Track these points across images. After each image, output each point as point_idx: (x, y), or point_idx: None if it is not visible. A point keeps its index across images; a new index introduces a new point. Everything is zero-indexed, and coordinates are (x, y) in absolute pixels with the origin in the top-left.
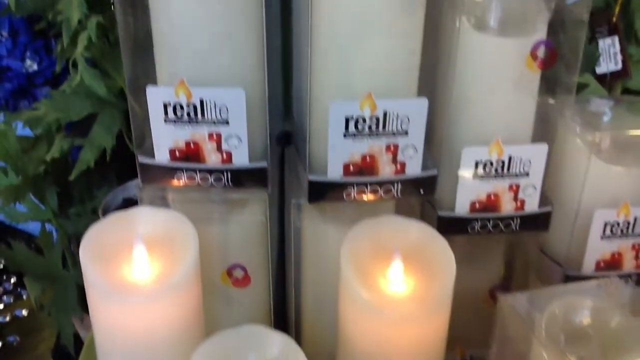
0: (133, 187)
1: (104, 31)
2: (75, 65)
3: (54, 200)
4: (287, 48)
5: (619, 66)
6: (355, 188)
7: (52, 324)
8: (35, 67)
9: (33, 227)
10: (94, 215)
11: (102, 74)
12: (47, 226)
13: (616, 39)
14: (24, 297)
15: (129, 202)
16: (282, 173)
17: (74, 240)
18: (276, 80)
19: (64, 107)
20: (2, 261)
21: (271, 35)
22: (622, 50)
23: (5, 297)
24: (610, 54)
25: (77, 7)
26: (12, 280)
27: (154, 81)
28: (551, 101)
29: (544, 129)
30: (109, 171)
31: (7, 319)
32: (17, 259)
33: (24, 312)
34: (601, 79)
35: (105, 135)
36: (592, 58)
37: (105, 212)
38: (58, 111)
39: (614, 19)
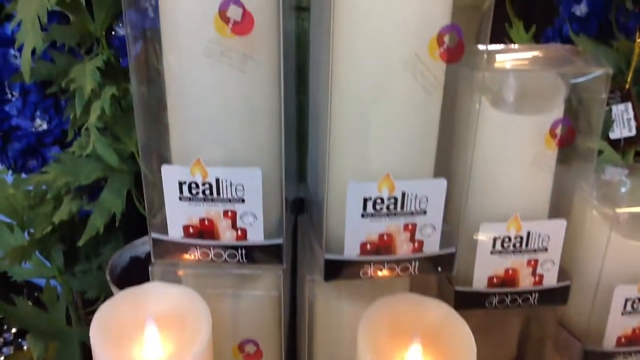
0: (140, 245)
1: (117, 99)
2: (86, 128)
3: (60, 258)
4: (302, 114)
5: (633, 132)
6: (372, 266)
7: None
8: (44, 126)
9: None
10: (99, 272)
11: (113, 138)
12: (52, 282)
13: (629, 105)
14: (25, 347)
15: (137, 261)
16: (295, 239)
17: (79, 296)
18: (290, 146)
19: (74, 171)
20: None
21: (288, 109)
22: (636, 117)
23: (5, 349)
24: (623, 120)
25: (90, 76)
26: (13, 330)
27: (166, 147)
28: (567, 171)
29: (560, 198)
30: (116, 228)
31: None
32: (19, 314)
33: None
34: (615, 144)
35: (115, 199)
36: (605, 124)
37: (113, 272)
38: (67, 175)
39: (627, 86)
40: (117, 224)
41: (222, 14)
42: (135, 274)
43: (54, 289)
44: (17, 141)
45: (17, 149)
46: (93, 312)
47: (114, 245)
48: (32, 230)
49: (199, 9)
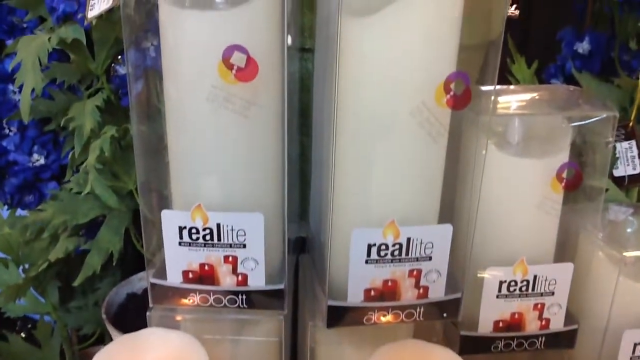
0: (137, 281)
1: (117, 138)
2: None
3: (55, 294)
4: (304, 154)
5: (637, 170)
6: (376, 312)
7: None
8: (42, 161)
9: None
10: (95, 308)
11: (111, 176)
12: (46, 317)
13: (633, 143)
14: None
15: (133, 297)
16: (296, 279)
17: (74, 332)
18: (292, 186)
19: (71, 209)
20: None
21: (291, 152)
22: None
23: None
24: (627, 157)
25: (90, 115)
26: None
27: (165, 186)
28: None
29: (566, 239)
30: (113, 264)
31: None
32: (12, 351)
33: None
34: (619, 181)
35: (112, 238)
36: (610, 162)
37: (109, 309)
38: (65, 213)
39: (631, 124)
40: (114, 262)
41: (226, 61)
42: (132, 310)
43: (49, 325)
44: (14, 176)
45: (14, 185)
46: (88, 348)
47: (111, 280)
48: (27, 266)
49: (203, 55)
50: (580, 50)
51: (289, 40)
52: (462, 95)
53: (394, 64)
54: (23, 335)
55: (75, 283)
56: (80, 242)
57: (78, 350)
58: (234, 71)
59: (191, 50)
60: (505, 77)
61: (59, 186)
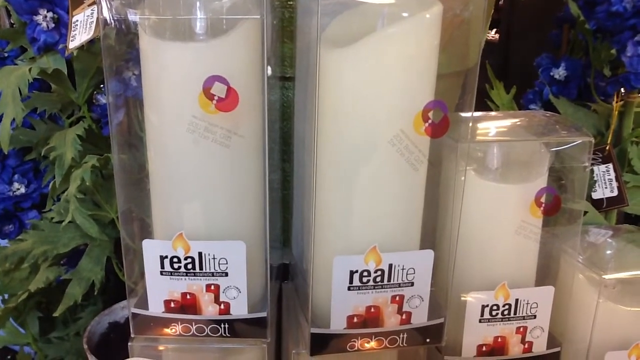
0: (120, 310)
1: (98, 168)
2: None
3: (35, 325)
4: (286, 181)
5: (615, 192)
6: (359, 339)
7: None
8: (22, 190)
9: None
10: (76, 338)
11: (93, 205)
12: (27, 349)
13: (610, 166)
14: None
15: (115, 327)
16: (279, 306)
17: None
18: (275, 213)
19: (52, 239)
20: None
21: (272, 179)
22: (617, 177)
23: None
24: (605, 180)
25: (71, 145)
26: None
27: (147, 214)
28: (552, 234)
29: (546, 261)
30: (95, 293)
31: None
32: None
33: None
34: (597, 203)
35: (94, 267)
36: (588, 184)
37: (90, 339)
38: (45, 243)
39: (607, 148)
40: (96, 292)
41: (207, 91)
42: (114, 340)
43: (29, 356)
44: None
45: None
46: None
47: (93, 309)
48: (6, 296)
49: (183, 86)
50: (556, 76)
51: (269, 70)
52: (440, 124)
53: (373, 93)
54: None
55: (56, 313)
56: (61, 272)
57: None
58: (214, 101)
59: (172, 81)
60: (484, 102)
61: (40, 215)
